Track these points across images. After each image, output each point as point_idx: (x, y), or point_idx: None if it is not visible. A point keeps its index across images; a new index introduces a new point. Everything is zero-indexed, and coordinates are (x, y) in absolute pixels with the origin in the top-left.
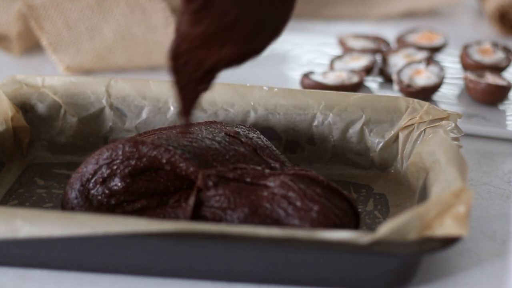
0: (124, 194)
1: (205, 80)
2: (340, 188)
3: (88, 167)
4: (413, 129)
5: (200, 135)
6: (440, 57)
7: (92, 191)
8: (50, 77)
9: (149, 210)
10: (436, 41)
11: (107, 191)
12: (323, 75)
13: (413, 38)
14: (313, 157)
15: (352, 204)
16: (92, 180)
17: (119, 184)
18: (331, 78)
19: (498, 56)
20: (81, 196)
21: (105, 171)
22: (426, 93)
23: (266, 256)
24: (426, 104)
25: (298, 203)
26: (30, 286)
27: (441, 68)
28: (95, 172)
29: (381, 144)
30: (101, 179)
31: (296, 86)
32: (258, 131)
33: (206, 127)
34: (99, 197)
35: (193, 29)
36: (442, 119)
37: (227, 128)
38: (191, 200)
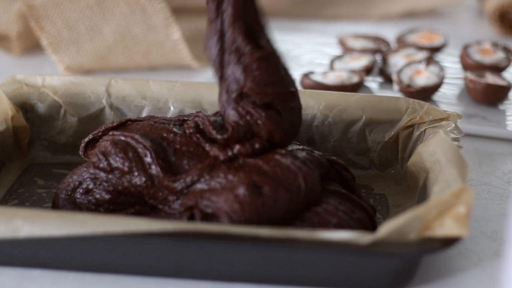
0: (113, 204)
1: None
2: (361, 200)
3: (73, 177)
4: (413, 129)
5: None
6: (440, 57)
7: (79, 199)
8: (50, 77)
9: (143, 214)
10: (436, 41)
11: (94, 201)
12: (323, 75)
13: (413, 38)
14: None
15: (371, 217)
16: (78, 190)
17: (106, 196)
18: (331, 78)
19: (498, 56)
20: (68, 204)
21: (89, 183)
22: (426, 93)
23: (266, 256)
24: (426, 105)
25: (315, 219)
26: (30, 286)
27: (441, 68)
28: (80, 183)
29: (381, 145)
30: (85, 190)
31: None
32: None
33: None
34: (87, 205)
35: None
36: (442, 119)
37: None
38: (185, 216)
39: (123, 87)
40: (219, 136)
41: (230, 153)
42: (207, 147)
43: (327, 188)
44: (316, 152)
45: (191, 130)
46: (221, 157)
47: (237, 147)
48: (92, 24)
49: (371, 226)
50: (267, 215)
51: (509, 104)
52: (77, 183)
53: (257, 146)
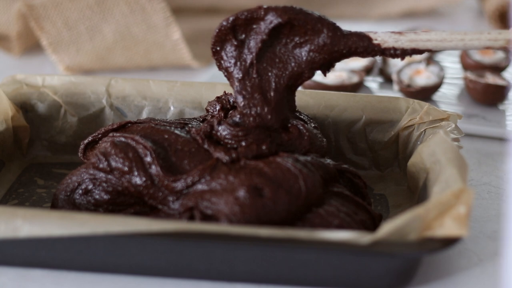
0: (112, 204)
1: None
2: (364, 202)
3: (72, 178)
4: (413, 129)
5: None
6: (440, 57)
7: (78, 200)
8: (50, 77)
9: (142, 215)
10: None
11: (93, 201)
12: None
13: None
14: None
15: (374, 219)
16: (77, 191)
17: (105, 197)
18: (331, 78)
19: (498, 56)
20: (67, 204)
21: (88, 184)
22: (426, 93)
23: (266, 256)
24: (426, 105)
25: (317, 220)
26: (30, 286)
27: (441, 68)
28: (79, 184)
29: (381, 145)
30: (84, 191)
31: None
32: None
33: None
34: (86, 206)
35: None
36: (442, 119)
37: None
38: (185, 216)
39: (123, 87)
40: (238, 118)
41: (234, 155)
42: (212, 149)
43: (331, 189)
44: (329, 160)
45: (201, 132)
46: (225, 159)
47: (241, 149)
48: (92, 24)
49: (373, 228)
50: (267, 217)
51: (509, 104)
52: (76, 184)
53: (264, 148)
